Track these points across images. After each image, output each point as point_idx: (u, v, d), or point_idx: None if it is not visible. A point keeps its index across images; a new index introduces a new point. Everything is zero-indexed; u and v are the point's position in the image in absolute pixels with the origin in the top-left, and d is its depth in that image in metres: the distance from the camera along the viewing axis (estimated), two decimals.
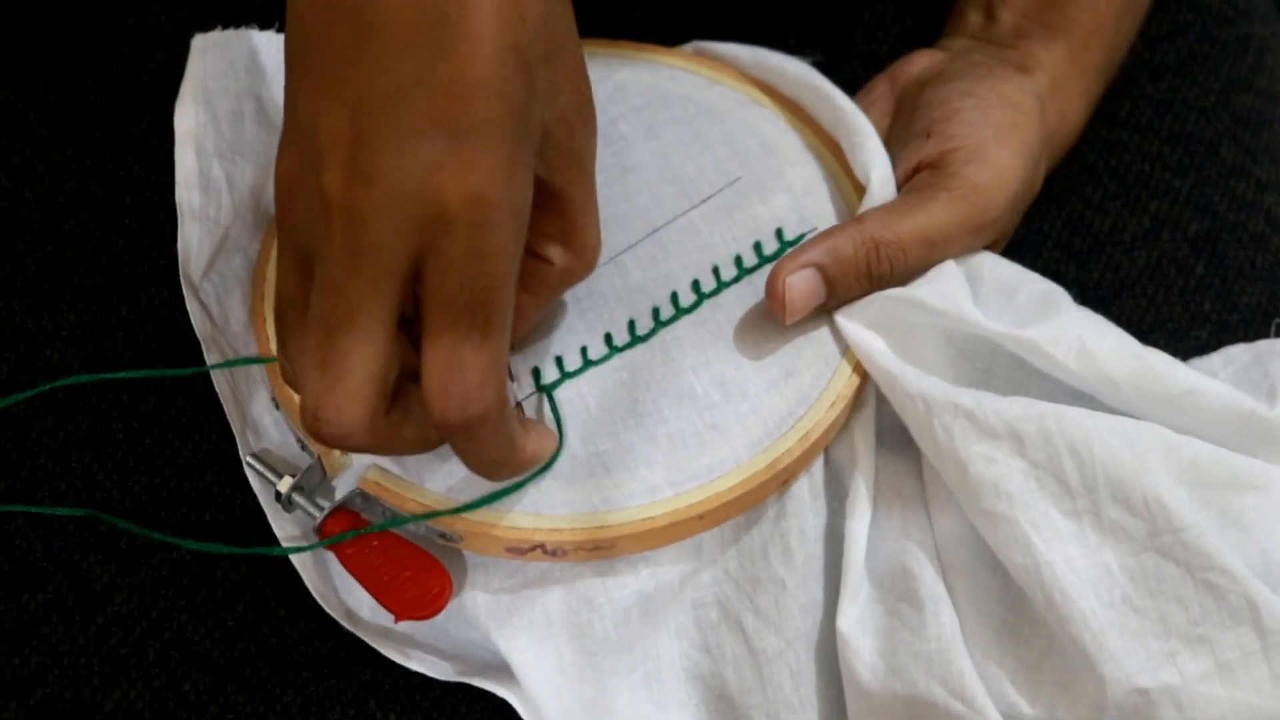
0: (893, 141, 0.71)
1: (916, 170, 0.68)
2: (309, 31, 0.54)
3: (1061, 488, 0.62)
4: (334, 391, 0.54)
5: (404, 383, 0.57)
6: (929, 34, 0.77)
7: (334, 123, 0.53)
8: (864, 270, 0.65)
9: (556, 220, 0.59)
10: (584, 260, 0.61)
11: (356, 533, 0.62)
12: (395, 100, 0.52)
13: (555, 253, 0.60)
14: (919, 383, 0.63)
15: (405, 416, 0.57)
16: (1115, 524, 0.61)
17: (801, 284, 0.65)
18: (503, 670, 0.64)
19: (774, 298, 0.65)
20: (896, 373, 0.64)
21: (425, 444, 0.58)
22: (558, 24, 0.56)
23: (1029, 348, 0.64)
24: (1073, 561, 0.61)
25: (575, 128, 0.57)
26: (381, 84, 0.53)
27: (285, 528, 0.65)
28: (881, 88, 0.73)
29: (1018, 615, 0.64)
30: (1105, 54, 0.73)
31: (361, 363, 0.54)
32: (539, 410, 0.64)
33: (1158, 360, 0.64)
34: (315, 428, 0.55)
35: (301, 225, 0.55)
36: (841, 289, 0.65)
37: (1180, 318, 0.72)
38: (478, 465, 0.58)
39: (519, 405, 0.64)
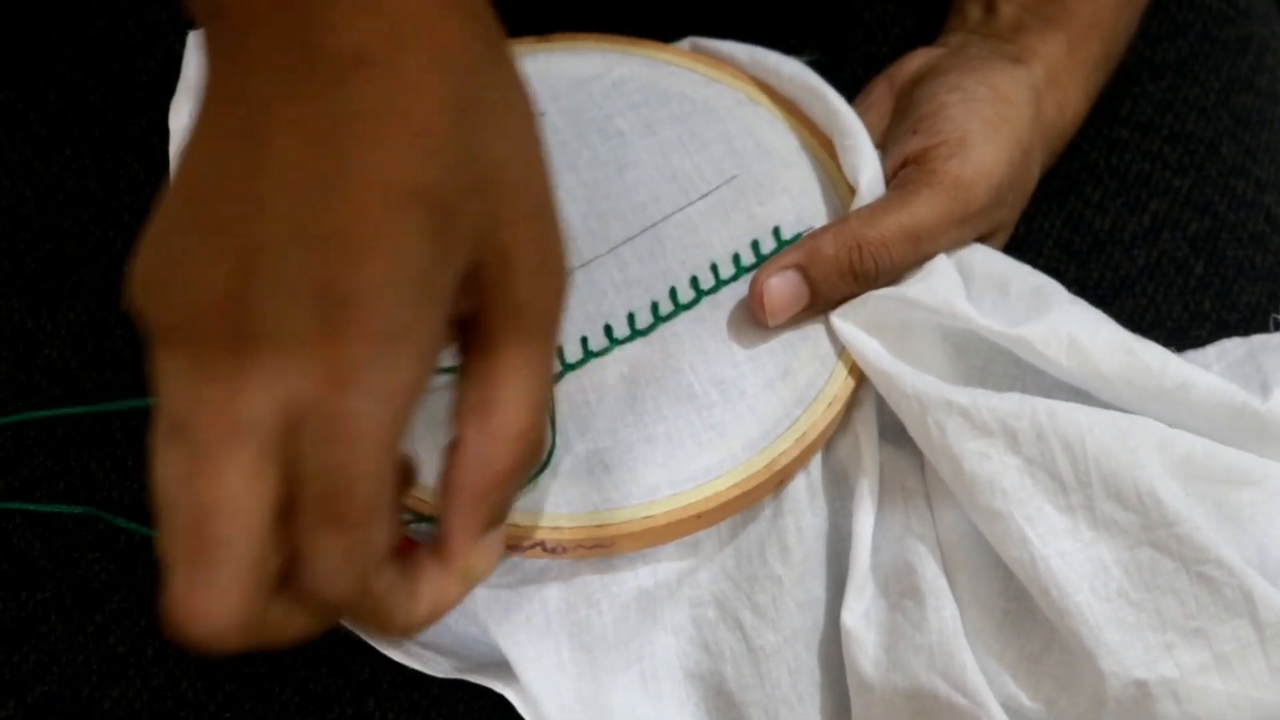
0: (889, 141, 0.70)
1: (902, 166, 0.68)
2: (198, 152, 0.47)
3: (1055, 483, 0.62)
4: (206, 586, 0.46)
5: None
6: (929, 34, 0.76)
7: (211, 275, 0.46)
8: (847, 270, 0.65)
9: (476, 386, 0.49)
10: (494, 453, 0.49)
11: None
12: (274, 256, 0.45)
13: (469, 429, 0.49)
14: (913, 381, 0.63)
15: (295, 603, 0.49)
16: (1109, 518, 0.61)
17: (781, 286, 0.65)
18: (501, 667, 0.64)
19: (755, 300, 0.65)
20: (891, 372, 0.64)
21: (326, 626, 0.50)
22: (492, 148, 0.48)
23: (1021, 345, 0.64)
24: (1068, 556, 0.61)
25: (517, 270, 0.48)
26: (263, 233, 0.45)
27: None
28: (880, 89, 0.73)
29: (1020, 608, 0.64)
30: (1105, 46, 0.72)
31: (235, 554, 0.46)
32: None
33: (1150, 355, 0.64)
34: (179, 628, 0.47)
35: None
36: (825, 289, 0.65)
37: (1180, 317, 0.72)
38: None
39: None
